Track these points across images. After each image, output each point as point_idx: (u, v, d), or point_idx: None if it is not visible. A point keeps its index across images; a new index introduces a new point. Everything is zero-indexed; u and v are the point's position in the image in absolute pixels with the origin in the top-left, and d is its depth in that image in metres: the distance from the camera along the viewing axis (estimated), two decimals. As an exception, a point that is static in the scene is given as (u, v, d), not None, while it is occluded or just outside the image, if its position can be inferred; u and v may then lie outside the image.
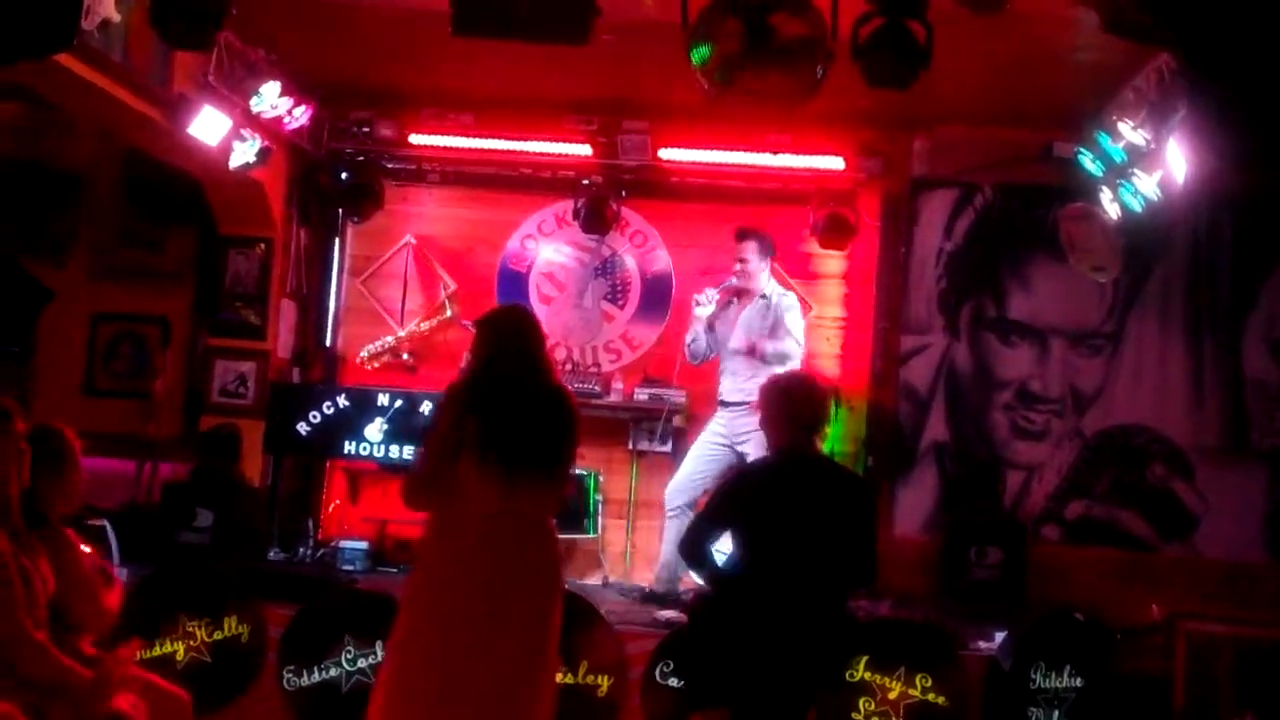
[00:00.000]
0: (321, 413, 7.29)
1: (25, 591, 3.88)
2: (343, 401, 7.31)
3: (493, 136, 7.71)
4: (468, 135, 7.70)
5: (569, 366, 7.80)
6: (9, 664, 3.77)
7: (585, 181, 7.77)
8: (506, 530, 4.18)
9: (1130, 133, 6.05)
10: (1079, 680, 5.86)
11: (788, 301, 6.85)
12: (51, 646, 3.91)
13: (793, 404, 4.49)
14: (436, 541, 4.24)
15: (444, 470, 4.19)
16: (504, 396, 4.26)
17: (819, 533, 4.32)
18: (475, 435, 4.15)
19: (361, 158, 7.89)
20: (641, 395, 7.63)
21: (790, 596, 4.27)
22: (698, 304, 6.90)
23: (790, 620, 4.26)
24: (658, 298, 8.03)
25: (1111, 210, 6.55)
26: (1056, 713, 5.80)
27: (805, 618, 4.28)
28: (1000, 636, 6.03)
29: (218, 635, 5.94)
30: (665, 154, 7.62)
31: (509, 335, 4.42)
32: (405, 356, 7.96)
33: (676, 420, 7.54)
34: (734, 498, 4.53)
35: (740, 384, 6.67)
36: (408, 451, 7.13)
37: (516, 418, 4.22)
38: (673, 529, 6.58)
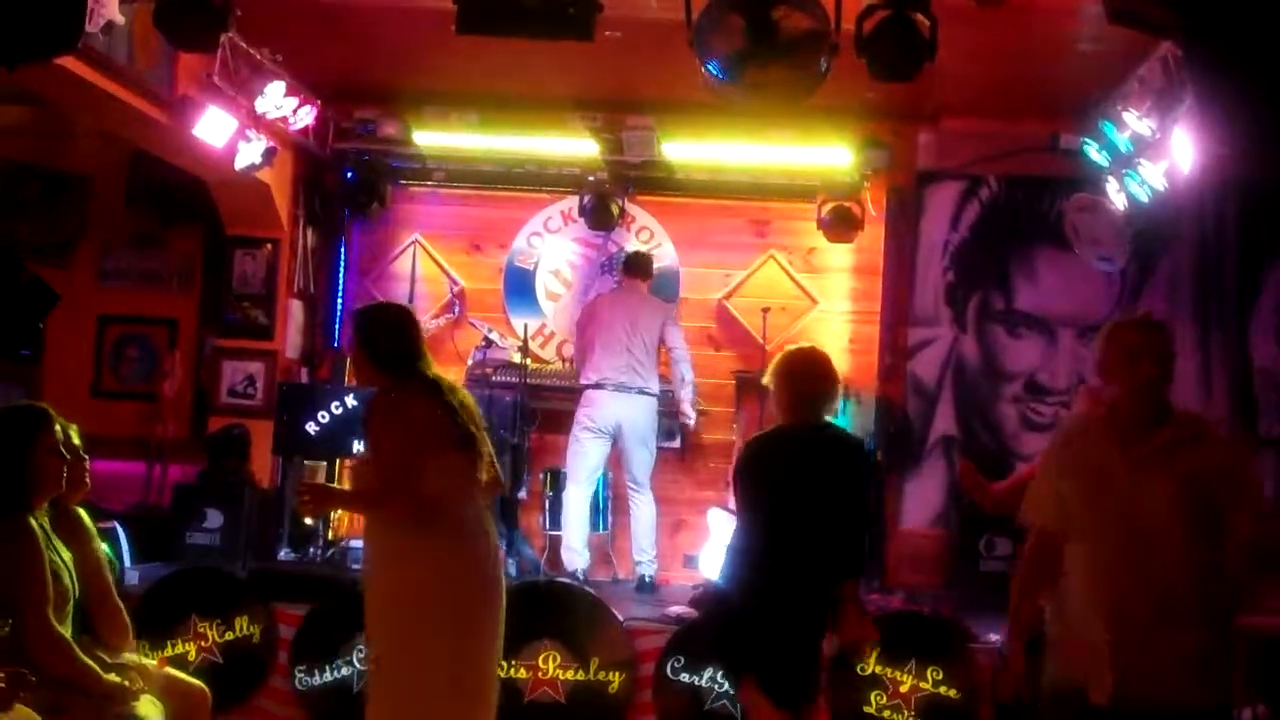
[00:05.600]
0: (330, 412, 7.27)
1: (54, 587, 3.91)
2: (351, 401, 7.28)
3: (497, 134, 7.71)
4: (472, 133, 7.70)
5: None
6: (30, 659, 3.79)
7: (591, 178, 7.77)
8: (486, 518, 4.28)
9: (1136, 123, 6.04)
10: (1090, 671, 5.84)
11: None
12: (73, 644, 3.93)
13: (793, 381, 4.38)
14: (429, 538, 4.20)
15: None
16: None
17: (819, 497, 4.25)
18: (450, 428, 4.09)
19: (367, 157, 7.90)
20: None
21: (796, 563, 4.21)
22: None
23: (797, 587, 4.20)
24: (665, 293, 8.01)
25: (1118, 200, 6.53)
26: (1068, 704, 5.78)
27: (808, 585, 4.22)
28: (1011, 628, 6.02)
29: (229, 635, 5.95)
30: (670, 149, 7.60)
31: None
32: (413, 355, 7.96)
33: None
34: (740, 478, 4.42)
35: None
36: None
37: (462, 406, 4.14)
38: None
